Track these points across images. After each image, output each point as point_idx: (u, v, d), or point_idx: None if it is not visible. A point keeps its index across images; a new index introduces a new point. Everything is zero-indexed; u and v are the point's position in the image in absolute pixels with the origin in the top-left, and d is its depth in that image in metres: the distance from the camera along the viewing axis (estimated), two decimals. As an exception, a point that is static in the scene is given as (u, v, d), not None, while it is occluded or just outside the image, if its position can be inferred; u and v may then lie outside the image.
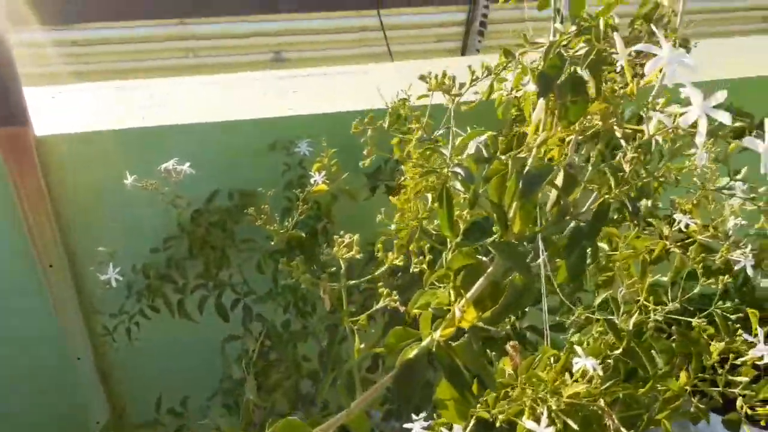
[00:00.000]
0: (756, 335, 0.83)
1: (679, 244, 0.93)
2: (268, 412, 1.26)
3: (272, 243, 1.18)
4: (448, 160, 0.70)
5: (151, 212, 1.30)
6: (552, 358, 0.71)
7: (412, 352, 0.65)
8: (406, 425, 0.70)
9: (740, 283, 1.14)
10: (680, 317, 0.87)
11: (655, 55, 0.54)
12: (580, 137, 0.69)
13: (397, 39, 3.04)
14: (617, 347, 0.85)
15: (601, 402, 0.67)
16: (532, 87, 0.70)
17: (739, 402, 0.84)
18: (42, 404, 1.55)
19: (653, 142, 0.61)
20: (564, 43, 0.62)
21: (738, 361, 0.85)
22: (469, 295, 0.66)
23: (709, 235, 0.91)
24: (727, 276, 0.88)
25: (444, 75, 0.71)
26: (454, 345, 0.64)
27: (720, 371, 0.86)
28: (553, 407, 0.64)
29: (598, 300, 0.95)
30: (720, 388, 0.86)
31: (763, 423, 0.83)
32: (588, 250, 0.67)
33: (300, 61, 3.01)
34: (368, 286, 0.74)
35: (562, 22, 0.64)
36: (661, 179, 0.71)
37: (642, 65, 0.58)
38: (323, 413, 1.26)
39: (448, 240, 0.72)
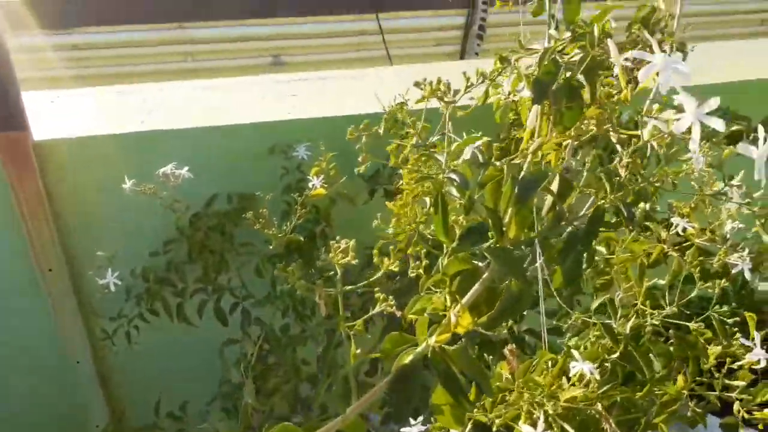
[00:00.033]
0: (753, 339, 0.83)
1: (676, 247, 0.93)
2: (266, 416, 1.27)
3: (271, 247, 1.18)
4: (444, 165, 0.70)
5: (150, 216, 1.30)
6: (549, 362, 0.71)
7: (407, 358, 0.65)
8: (403, 429, 0.70)
9: (738, 287, 1.14)
10: (678, 321, 0.87)
11: (649, 61, 0.54)
12: (576, 142, 0.69)
13: (396, 43, 3.03)
14: (615, 351, 0.85)
15: (599, 406, 0.68)
16: (527, 93, 0.71)
17: (736, 406, 0.84)
18: (42, 405, 1.55)
19: (649, 147, 0.61)
20: (559, 49, 0.62)
21: (735, 365, 0.85)
22: (464, 300, 0.66)
23: (707, 238, 0.91)
24: (724, 279, 0.88)
25: (439, 82, 0.71)
26: (449, 350, 0.64)
27: (717, 375, 0.86)
28: (550, 411, 0.64)
29: (595, 303, 0.95)
30: (717, 392, 0.86)
31: (760, 426, 0.83)
32: (584, 255, 0.67)
33: (299, 65, 3.01)
34: (367, 289, 0.74)
35: (557, 28, 0.64)
36: (656, 184, 0.71)
37: (639, 70, 0.58)
38: (321, 417, 1.26)
39: (444, 245, 0.72)
